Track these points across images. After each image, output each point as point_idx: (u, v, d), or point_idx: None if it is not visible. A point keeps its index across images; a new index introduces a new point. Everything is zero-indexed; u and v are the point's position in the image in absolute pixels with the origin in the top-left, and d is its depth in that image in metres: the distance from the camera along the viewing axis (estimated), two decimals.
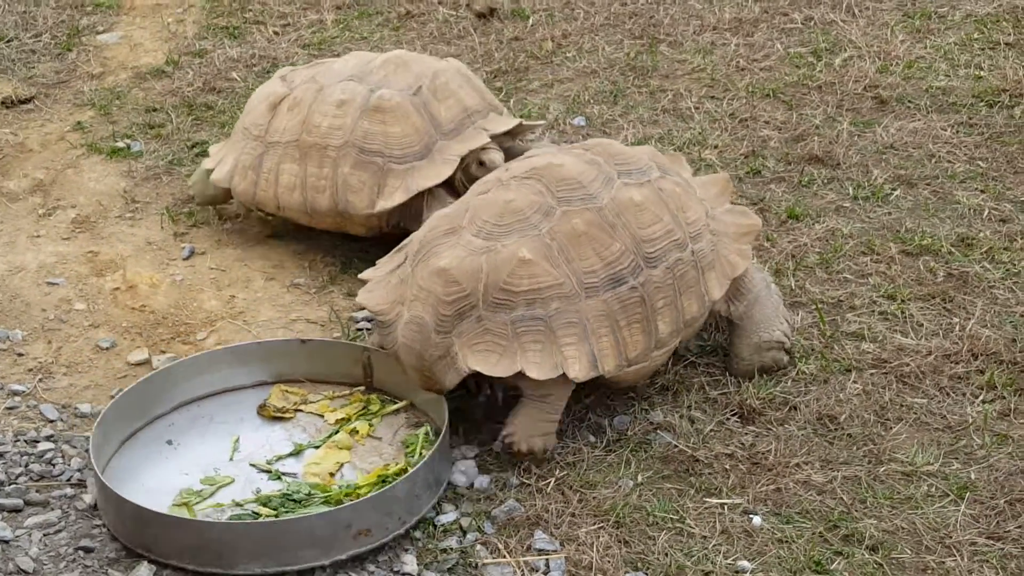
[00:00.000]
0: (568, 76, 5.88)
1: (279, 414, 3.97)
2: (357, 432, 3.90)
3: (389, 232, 4.65)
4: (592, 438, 3.88)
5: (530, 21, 6.29)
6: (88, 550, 3.54)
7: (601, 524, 3.57)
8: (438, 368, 3.73)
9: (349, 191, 4.59)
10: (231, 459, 3.81)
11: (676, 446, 3.82)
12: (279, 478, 3.72)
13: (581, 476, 3.73)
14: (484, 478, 3.74)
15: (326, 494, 3.63)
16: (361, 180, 4.58)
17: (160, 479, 3.70)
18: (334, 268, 4.72)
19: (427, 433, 3.85)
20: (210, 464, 3.78)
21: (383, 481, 3.64)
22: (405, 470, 3.66)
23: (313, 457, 3.81)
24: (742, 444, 3.83)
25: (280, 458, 3.81)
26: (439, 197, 4.58)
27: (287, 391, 4.05)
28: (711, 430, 3.89)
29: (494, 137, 4.67)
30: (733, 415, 3.95)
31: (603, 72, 5.89)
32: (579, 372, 3.72)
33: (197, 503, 3.62)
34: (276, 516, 3.55)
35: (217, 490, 3.67)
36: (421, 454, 3.74)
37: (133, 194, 5.23)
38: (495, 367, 3.68)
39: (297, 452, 3.84)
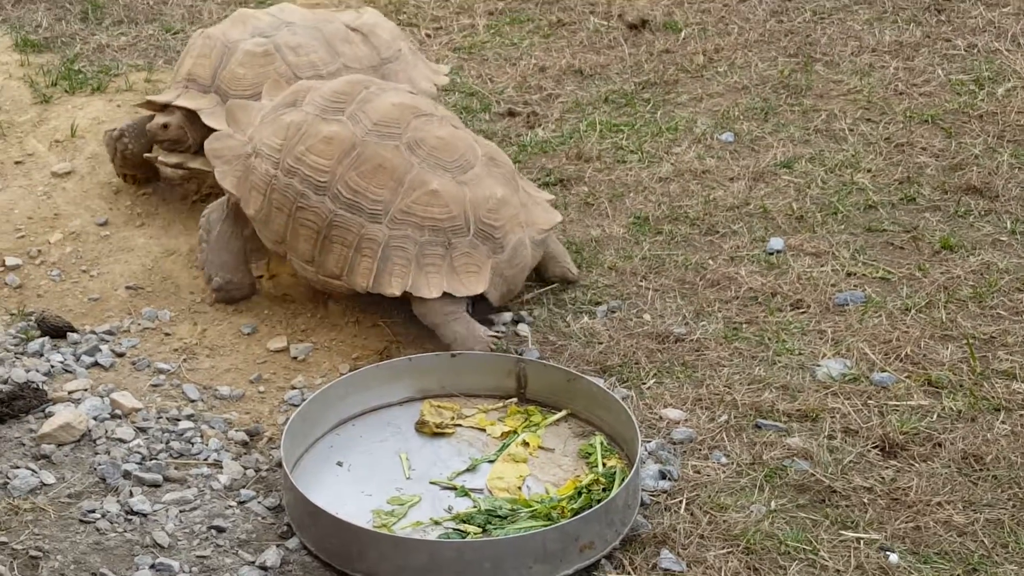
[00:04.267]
0: (718, 91, 5.81)
1: (439, 430, 3.94)
2: (527, 444, 3.88)
3: None
4: (725, 460, 3.82)
5: (682, 34, 6.23)
6: (220, 529, 3.60)
7: (730, 549, 3.50)
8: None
9: None
10: (408, 477, 3.77)
11: (813, 475, 3.73)
12: (466, 494, 3.70)
13: (712, 498, 3.67)
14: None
15: (530, 509, 3.60)
16: None
17: (343, 501, 3.65)
18: None
19: (602, 442, 3.84)
20: (388, 483, 3.74)
21: (580, 493, 3.62)
22: (598, 480, 3.65)
23: (494, 472, 3.78)
24: (882, 478, 3.72)
25: (458, 474, 3.78)
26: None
27: (439, 406, 4.03)
28: (850, 461, 3.78)
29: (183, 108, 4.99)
30: (874, 447, 3.84)
31: (754, 88, 5.80)
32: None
33: (394, 523, 3.59)
34: (485, 533, 3.53)
35: (408, 509, 3.64)
36: (604, 463, 3.73)
37: None
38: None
39: (473, 467, 3.81)
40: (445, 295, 4.20)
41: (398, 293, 4.19)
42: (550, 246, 4.54)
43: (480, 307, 4.48)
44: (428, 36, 6.41)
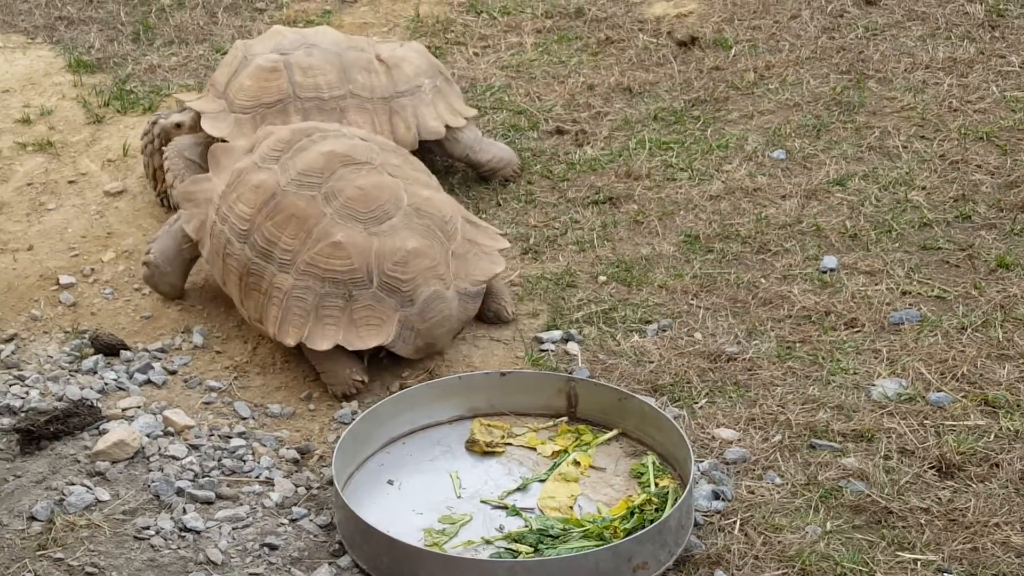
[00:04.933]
0: (769, 108, 5.77)
1: (490, 449, 3.93)
2: (579, 464, 3.86)
3: None
4: (779, 480, 3.78)
5: (732, 51, 6.20)
6: (273, 547, 3.60)
7: (785, 570, 3.46)
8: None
9: None
10: (458, 496, 3.76)
11: (869, 495, 3.69)
12: (518, 514, 3.68)
13: (767, 518, 3.63)
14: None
15: (582, 528, 3.58)
16: None
17: (394, 519, 3.64)
18: (520, 289, 4.73)
19: (654, 461, 3.81)
20: (439, 502, 3.73)
21: (632, 513, 3.60)
22: (651, 500, 3.63)
23: (545, 491, 3.76)
24: (939, 499, 3.67)
25: (508, 493, 3.77)
26: None
27: (489, 425, 4.02)
28: (907, 482, 3.73)
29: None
30: (931, 468, 3.79)
31: (806, 106, 5.76)
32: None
33: (446, 542, 3.58)
34: (536, 553, 3.51)
35: (459, 528, 3.63)
36: (656, 483, 3.71)
37: None
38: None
39: (524, 486, 3.80)
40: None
41: (293, 343, 4.20)
42: (491, 284, 4.47)
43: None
44: (476, 55, 6.42)
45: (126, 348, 4.49)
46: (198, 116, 5.06)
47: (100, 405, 4.15)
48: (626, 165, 5.39)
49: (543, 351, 4.38)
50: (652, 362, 4.27)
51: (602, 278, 4.74)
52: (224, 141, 4.87)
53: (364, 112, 4.98)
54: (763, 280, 4.66)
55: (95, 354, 4.45)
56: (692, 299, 4.59)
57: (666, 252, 4.85)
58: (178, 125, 5.12)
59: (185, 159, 5.06)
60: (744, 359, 4.27)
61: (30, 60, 6.34)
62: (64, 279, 4.89)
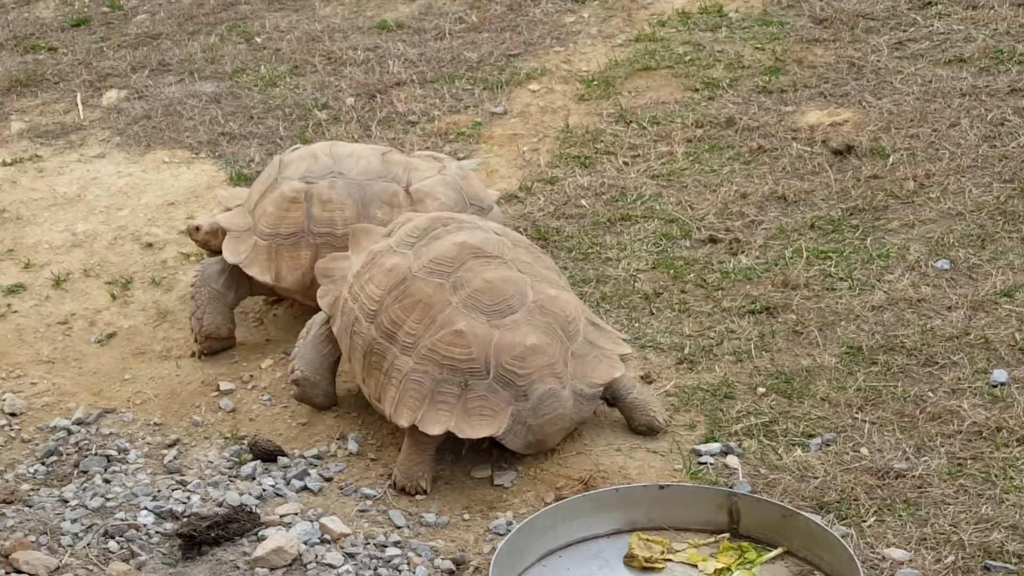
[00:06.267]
0: (931, 217, 5.63)
1: (649, 564, 3.84)
2: None
3: None
4: None
5: (890, 160, 6.09)
6: None
7: None
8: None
9: None
10: None
11: None
12: None
13: None
14: None
15: None
16: None
17: None
18: (676, 400, 4.65)
19: None
20: None
21: None
22: None
23: None
24: None
25: None
26: None
27: (648, 539, 3.93)
28: None
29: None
30: None
31: (969, 215, 5.60)
32: None
33: None
34: None
35: None
36: None
37: None
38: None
39: None
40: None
41: (406, 424, 4.23)
42: (634, 395, 4.43)
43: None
44: (625, 164, 6.44)
45: (283, 454, 4.53)
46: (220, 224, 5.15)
47: (259, 511, 4.18)
48: (783, 274, 5.30)
49: (701, 464, 4.28)
50: (816, 477, 4.14)
51: (761, 389, 4.63)
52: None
53: None
54: (931, 394, 4.50)
55: (253, 460, 4.51)
56: (856, 412, 4.45)
57: (827, 364, 4.72)
58: (197, 228, 5.23)
59: (211, 289, 5.11)
60: (913, 476, 4.11)
61: (194, 174, 6.57)
62: (224, 385, 4.98)
